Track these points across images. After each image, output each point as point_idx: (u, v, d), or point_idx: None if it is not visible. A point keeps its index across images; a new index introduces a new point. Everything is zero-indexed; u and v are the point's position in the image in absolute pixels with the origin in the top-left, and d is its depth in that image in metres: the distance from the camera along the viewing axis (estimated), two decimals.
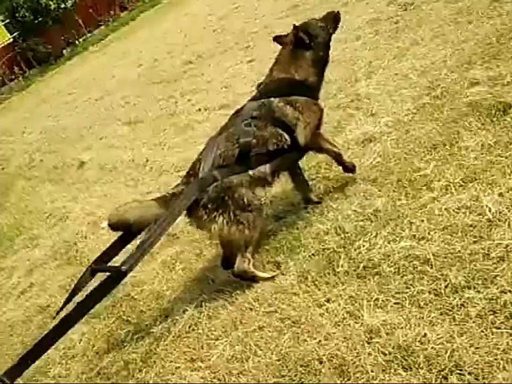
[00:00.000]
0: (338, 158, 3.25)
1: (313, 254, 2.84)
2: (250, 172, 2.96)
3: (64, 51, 27.53)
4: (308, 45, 3.28)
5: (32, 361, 2.68)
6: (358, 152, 3.55)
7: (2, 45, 28.76)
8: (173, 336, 2.85)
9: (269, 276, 2.89)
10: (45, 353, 2.71)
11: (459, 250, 2.35)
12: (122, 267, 2.67)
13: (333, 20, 3.53)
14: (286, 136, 3.06)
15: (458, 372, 1.87)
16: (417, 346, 2.03)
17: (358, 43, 5.48)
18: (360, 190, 3.15)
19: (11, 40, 28.56)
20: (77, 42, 27.87)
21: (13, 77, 27.06)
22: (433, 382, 1.88)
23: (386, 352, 2.07)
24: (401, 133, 3.49)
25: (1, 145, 12.13)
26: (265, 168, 3.02)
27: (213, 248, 3.44)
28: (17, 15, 27.08)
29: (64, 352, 3.27)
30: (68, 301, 2.92)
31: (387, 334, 2.14)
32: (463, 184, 2.75)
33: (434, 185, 2.84)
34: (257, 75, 6.40)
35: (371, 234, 2.73)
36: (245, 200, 2.90)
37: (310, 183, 3.45)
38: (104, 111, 9.43)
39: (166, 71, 9.73)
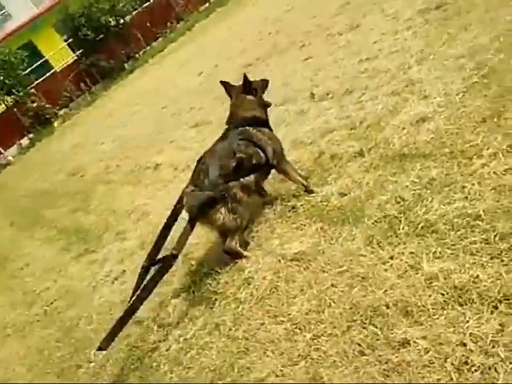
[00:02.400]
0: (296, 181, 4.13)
1: (376, 221, 3.19)
2: (241, 180, 3.84)
3: (126, 65, 28.68)
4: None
5: (118, 332, 3.50)
6: (413, 131, 3.87)
7: (67, 64, 30.24)
8: (256, 299, 3.25)
9: (249, 254, 3.77)
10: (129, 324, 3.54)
11: (507, 206, 2.66)
12: (173, 251, 3.65)
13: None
14: (262, 154, 3.96)
15: (506, 301, 2.19)
16: (471, 285, 2.36)
17: (409, 33, 5.77)
18: (416, 164, 3.47)
19: (75, 58, 29.97)
20: (137, 55, 28.95)
21: (80, 93, 28.40)
22: (485, 312, 2.21)
23: (444, 292, 2.41)
24: (453, 111, 3.79)
25: (77, 156, 12.97)
26: (250, 178, 3.92)
27: (284, 225, 3.84)
28: (79, 33, 28.38)
29: (160, 322, 3.74)
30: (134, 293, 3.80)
31: (444, 278, 2.48)
32: (509, 150, 3.05)
33: (484, 153, 3.15)
34: (314, 71, 6.83)
35: (427, 200, 3.06)
36: (238, 198, 3.78)
37: (368, 161, 3.83)
38: (171, 118, 10.00)
39: (227, 76, 10.15)
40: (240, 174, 3.86)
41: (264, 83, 4.51)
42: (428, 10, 6.03)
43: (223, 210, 3.72)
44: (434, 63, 4.72)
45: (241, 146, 3.94)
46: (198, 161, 4.05)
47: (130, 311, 3.55)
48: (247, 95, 4.29)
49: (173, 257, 3.68)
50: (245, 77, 4.29)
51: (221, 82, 4.54)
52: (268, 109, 4.40)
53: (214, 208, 3.70)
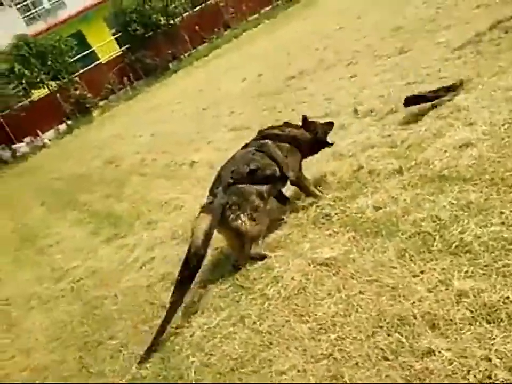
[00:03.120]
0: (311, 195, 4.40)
1: (409, 236, 3.25)
2: (254, 186, 4.03)
3: (170, 64, 29.11)
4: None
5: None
6: (455, 155, 3.91)
7: (113, 57, 30.80)
8: (283, 297, 3.33)
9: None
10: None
11: None
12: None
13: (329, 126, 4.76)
14: (276, 168, 4.20)
15: None
16: (501, 305, 2.41)
17: (459, 61, 5.82)
18: (455, 186, 3.52)
19: (121, 52, 30.52)
20: (182, 57, 29.36)
21: (121, 86, 28.89)
22: None
23: (473, 309, 2.46)
24: (496, 140, 3.83)
25: (114, 146, 13.23)
26: (263, 187, 4.09)
27: (317, 231, 3.92)
28: (129, 28, 28.91)
29: (185, 309, 3.82)
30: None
31: (474, 296, 2.53)
32: None
33: None
34: (359, 89, 6.89)
35: (464, 221, 3.11)
36: (255, 203, 3.97)
37: (407, 179, 3.90)
38: (211, 119, 10.17)
39: (270, 85, 10.36)
40: (253, 181, 4.06)
41: (329, 125, 4.76)
42: (480, 42, 6.06)
43: (242, 216, 3.89)
44: (482, 93, 4.76)
45: (256, 157, 4.18)
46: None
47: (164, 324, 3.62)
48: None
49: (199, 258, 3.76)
50: (304, 118, 4.58)
51: (284, 122, 4.73)
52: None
53: (233, 214, 3.87)
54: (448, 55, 6.17)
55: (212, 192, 4.06)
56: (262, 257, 3.92)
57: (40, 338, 4.75)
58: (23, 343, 4.83)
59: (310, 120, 4.61)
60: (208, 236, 3.77)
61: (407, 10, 10.03)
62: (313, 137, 4.55)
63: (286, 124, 4.67)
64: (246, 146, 4.49)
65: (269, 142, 4.33)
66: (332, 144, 4.71)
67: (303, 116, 4.59)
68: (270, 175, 4.17)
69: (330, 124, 4.76)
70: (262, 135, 4.51)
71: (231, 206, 3.89)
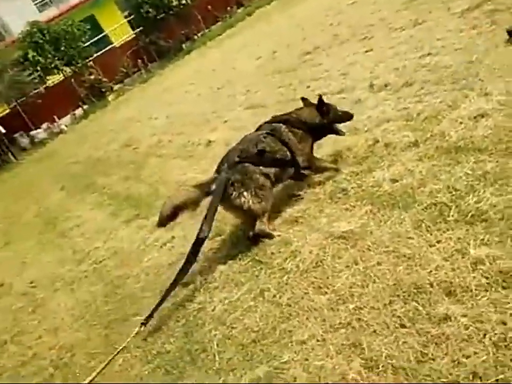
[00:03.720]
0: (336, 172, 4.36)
1: (426, 207, 3.28)
2: (261, 167, 4.05)
3: (184, 45, 29.06)
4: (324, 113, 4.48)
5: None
6: (470, 126, 3.91)
7: (126, 40, 30.84)
8: (301, 271, 3.38)
9: (279, 233, 3.95)
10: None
11: None
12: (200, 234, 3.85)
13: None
14: (288, 153, 4.19)
15: None
16: None
17: (474, 31, 5.76)
18: (471, 157, 3.53)
19: (134, 35, 30.53)
20: (195, 37, 29.30)
21: (136, 69, 28.96)
22: None
23: (488, 276, 2.49)
24: None
25: (131, 129, 13.33)
26: (270, 170, 4.10)
27: (334, 205, 3.95)
28: (141, 11, 28.88)
29: (206, 285, 3.90)
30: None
31: (490, 263, 2.56)
32: None
33: None
34: (374, 63, 6.85)
35: (480, 191, 3.13)
36: (260, 182, 3.99)
37: (423, 151, 3.91)
38: (227, 98, 10.18)
39: (285, 62, 10.33)
40: (261, 163, 4.07)
41: (346, 115, 4.66)
42: (495, 12, 5.99)
43: (245, 194, 3.94)
44: (497, 63, 4.72)
45: (266, 139, 4.19)
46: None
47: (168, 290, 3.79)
48: (318, 111, 4.49)
49: (201, 240, 3.89)
50: (320, 98, 4.49)
51: (301, 98, 4.77)
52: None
53: (235, 191, 3.93)
54: (463, 26, 6.11)
55: (218, 170, 4.12)
56: (267, 235, 3.97)
57: (65, 318, 4.86)
58: (49, 324, 4.95)
59: (326, 102, 4.54)
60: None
61: None
62: (325, 123, 4.49)
63: (303, 102, 4.68)
64: (258, 129, 4.51)
65: (282, 126, 4.32)
66: (340, 134, 4.63)
67: (319, 95, 4.55)
68: (279, 159, 4.18)
69: (348, 114, 4.66)
70: (276, 120, 4.49)
71: (233, 183, 3.95)
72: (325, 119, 4.48)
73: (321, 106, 4.48)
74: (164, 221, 4.04)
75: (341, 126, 4.65)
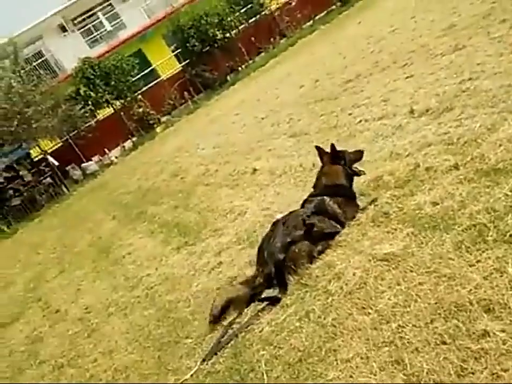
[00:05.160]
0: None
1: (466, 229, 3.36)
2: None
3: (228, 77, 29.70)
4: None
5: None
6: (509, 148, 3.99)
7: (173, 73, 31.72)
8: (345, 292, 3.50)
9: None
10: None
11: None
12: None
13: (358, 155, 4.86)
14: (338, 225, 4.34)
15: None
16: None
17: None
18: (510, 179, 3.61)
19: (181, 68, 31.39)
20: (239, 68, 29.91)
21: (183, 101, 29.71)
22: None
23: None
24: None
25: (179, 159, 13.69)
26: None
27: (376, 228, 4.06)
28: (187, 44, 29.72)
29: (254, 308, 4.05)
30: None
31: None
32: None
33: None
34: (414, 89, 6.97)
35: None
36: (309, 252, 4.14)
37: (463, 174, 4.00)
38: (271, 127, 10.42)
39: (327, 90, 10.53)
40: (313, 240, 4.20)
41: (358, 154, 4.84)
42: None
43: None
44: None
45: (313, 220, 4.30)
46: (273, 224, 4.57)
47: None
48: (334, 164, 4.72)
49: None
50: (332, 147, 4.69)
51: (316, 147, 4.96)
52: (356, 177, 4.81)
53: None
54: (503, 50, 6.18)
55: (260, 262, 4.34)
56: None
57: (119, 341, 5.06)
58: (104, 347, 5.15)
59: (338, 149, 4.74)
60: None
61: (461, 7, 10.01)
62: (349, 173, 4.70)
63: (318, 152, 4.90)
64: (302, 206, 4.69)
65: (327, 199, 4.47)
66: (361, 174, 4.79)
67: (331, 144, 4.74)
68: (330, 233, 4.31)
69: (359, 153, 4.85)
70: (316, 192, 4.69)
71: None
72: (346, 166, 4.69)
73: (336, 155, 4.71)
74: (215, 319, 4.17)
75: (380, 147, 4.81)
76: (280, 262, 4.08)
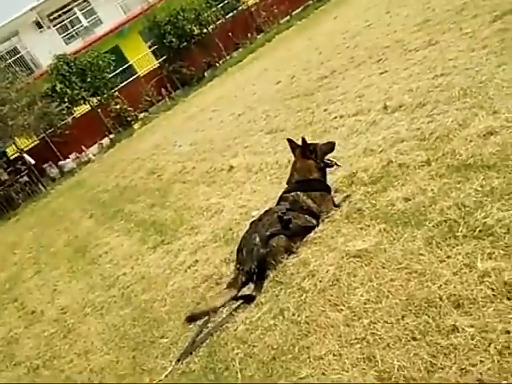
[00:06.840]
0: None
1: (436, 224, 3.40)
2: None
3: (206, 73, 29.61)
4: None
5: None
6: (480, 144, 4.03)
7: (150, 69, 31.54)
8: (319, 289, 3.51)
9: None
10: None
11: None
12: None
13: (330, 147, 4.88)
14: (314, 221, 4.40)
15: None
16: None
17: (485, 51, 5.89)
18: (480, 174, 3.65)
19: (158, 64, 31.23)
20: (217, 64, 29.83)
21: (160, 98, 29.55)
22: None
23: (494, 287, 2.60)
24: None
25: (156, 157, 13.63)
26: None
27: (350, 225, 4.09)
28: (164, 40, 29.57)
29: (229, 307, 4.04)
30: None
31: (496, 276, 2.67)
32: None
33: None
34: (389, 84, 7.01)
35: (487, 207, 3.24)
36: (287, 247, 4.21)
37: (435, 169, 4.04)
38: (248, 124, 10.41)
39: (303, 86, 10.55)
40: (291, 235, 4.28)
41: (329, 146, 4.86)
42: (505, 31, 6.12)
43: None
44: (507, 81, 4.84)
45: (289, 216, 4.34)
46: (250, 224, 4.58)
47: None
48: (306, 158, 4.73)
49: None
50: (303, 140, 4.71)
51: (288, 140, 4.99)
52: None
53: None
54: (474, 46, 6.24)
55: (239, 261, 4.32)
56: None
57: (95, 342, 5.03)
58: (80, 348, 5.12)
59: (309, 142, 4.77)
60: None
61: (435, 2, 10.09)
62: (321, 166, 4.74)
63: (289, 144, 4.93)
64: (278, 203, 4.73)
65: (300, 195, 4.52)
66: (333, 165, 4.83)
67: (302, 138, 4.75)
68: (307, 227, 4.38)
69: (330, 144, 4.87)
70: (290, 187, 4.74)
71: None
72: (317, 160, 4.72)
73: (307, 150, 4.73)
74: (193, 319, 4.15)
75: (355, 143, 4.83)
76: (263, 256, 4.11)
